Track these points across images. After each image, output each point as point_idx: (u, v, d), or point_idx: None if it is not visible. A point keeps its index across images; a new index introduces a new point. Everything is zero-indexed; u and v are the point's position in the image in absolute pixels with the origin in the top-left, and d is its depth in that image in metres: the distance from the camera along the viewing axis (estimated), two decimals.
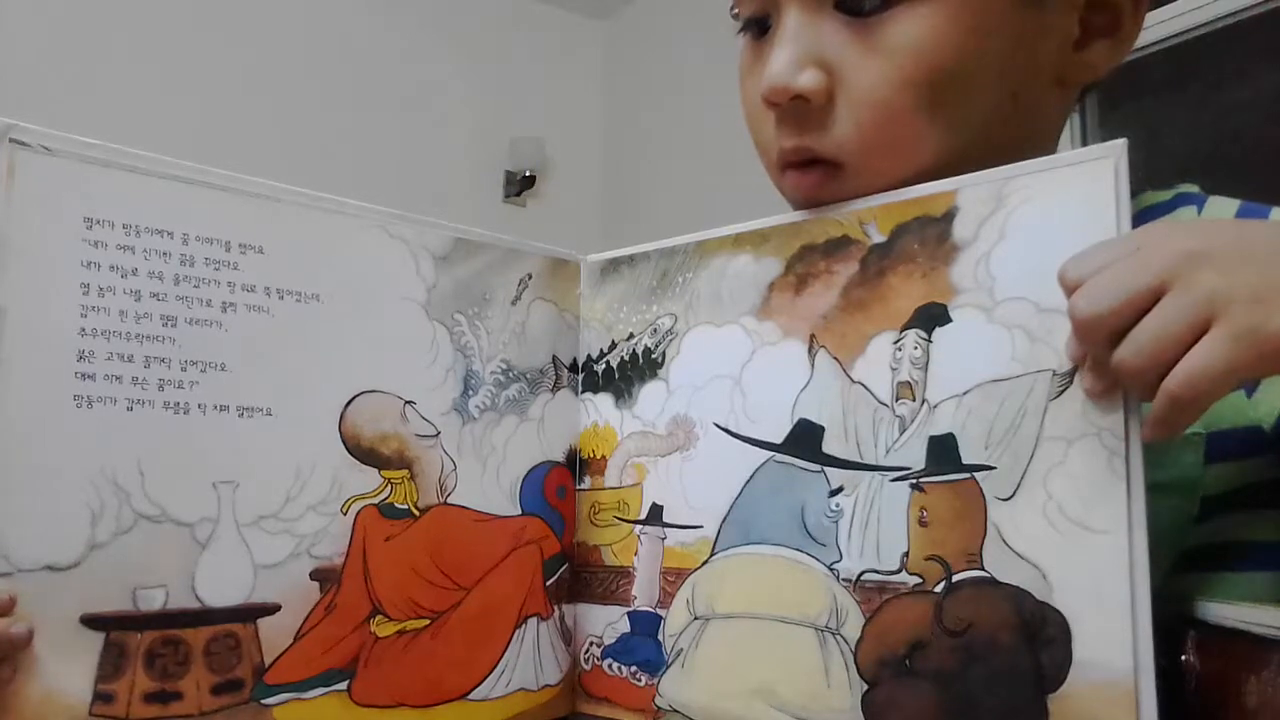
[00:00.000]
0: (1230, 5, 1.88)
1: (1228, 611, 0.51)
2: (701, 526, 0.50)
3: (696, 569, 0.50)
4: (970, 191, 0.44)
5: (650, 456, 0.53)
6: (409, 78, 2.76)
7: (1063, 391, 0.40)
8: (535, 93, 3.05)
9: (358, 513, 0.46)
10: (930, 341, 0.44)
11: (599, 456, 0.55)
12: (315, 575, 0.45)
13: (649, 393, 0.54)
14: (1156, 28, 2.00)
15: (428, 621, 0.48)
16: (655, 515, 0.52)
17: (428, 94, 2.80)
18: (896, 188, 0.47)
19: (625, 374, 0.55)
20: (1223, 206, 0.50)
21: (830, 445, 0.46)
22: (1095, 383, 0.39)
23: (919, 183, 0.46)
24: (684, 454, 0.52)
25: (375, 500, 0.47)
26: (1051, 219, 0.41)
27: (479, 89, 2.92)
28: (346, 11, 2.68)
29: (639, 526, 0.53)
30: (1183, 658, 0.52)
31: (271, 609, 0.43)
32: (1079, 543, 0.39)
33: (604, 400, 0.55)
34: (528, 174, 2.97)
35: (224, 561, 0.42)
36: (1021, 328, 0.42)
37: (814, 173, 0.49)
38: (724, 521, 0.49)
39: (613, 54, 3.25)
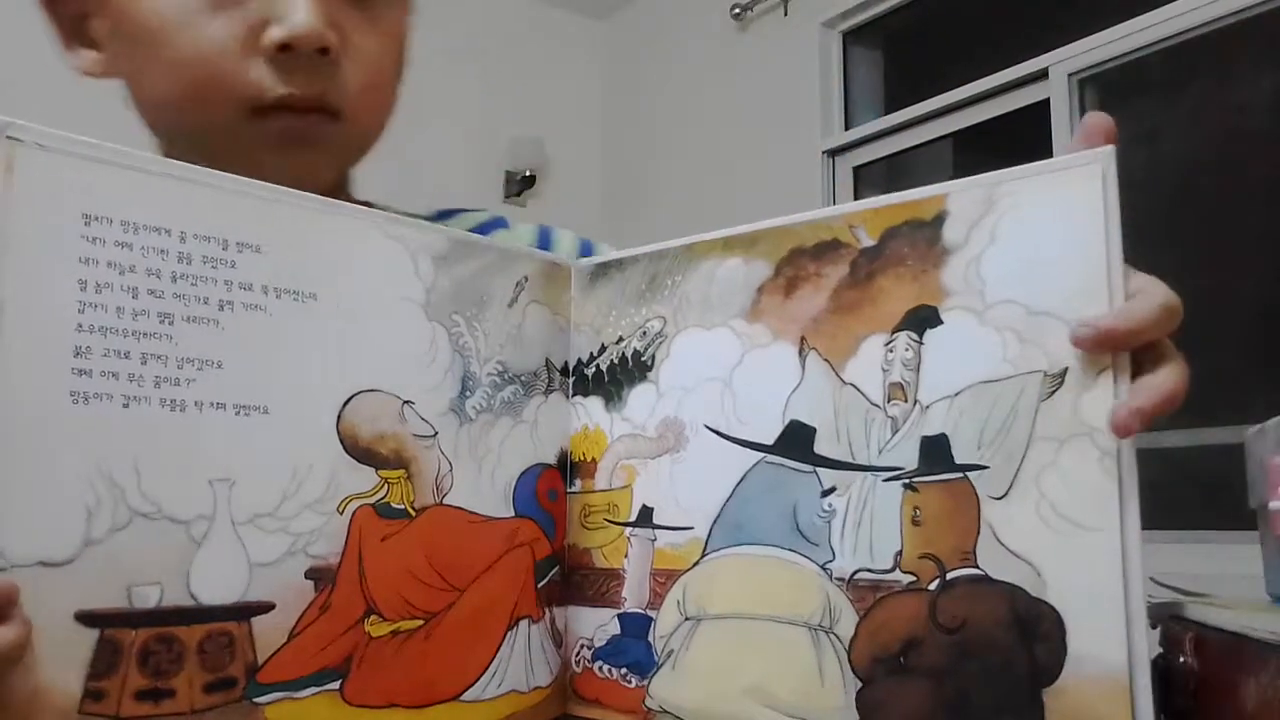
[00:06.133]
0: (1230, 5, 1.89)
1: (1227, 616, 0.50)
2: (692, 528, 0.50)
3: (687, 570, 0.50)
4: (960, 196, 0.44)
5: (640, 459, 0.53)
6: (409, 77, 2.76)
7: (1053, 393, 0.41)
8: (535, 92, 3.05)
9: (354, 512, 0.46)
10: (921, 343, 0.44)
11: (589, 459, 0.55)
12: (310, 574, 0.44)
13: (638, 395, 0.54)
14: (1156, 28, 2.00)
15: (421, 622, 0.48)
16: (645, 517, 0.52)
17: (427, 94, 2.79)
18: (367, 139, 0.60)
19: (615, 377, 0.55)
20: (523, 232, 0.69)
21: (822, 446, 0.47)
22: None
23: (380, 136, 0.60)
24: (674, 456, 0.52)
25: (372, 500, 0.47)
26: (1041, 223, 0.42)
27: (479, 89, 2.92)
28: None
29: (629, 529, 0.53)
30: (1182, 660, 0.52)
31: (266, 607, 0.43)
32: (1072, 540, 0.40)
33: (594, 403, 0.55)
34: (528, 174, 2.97)
35: (219, 559, 0.42)
36: (1012, 330, 0.42)
37: (309, 118, 0.55)
38: (715, 522, 0.49)
39: (613, 54, 3.25)
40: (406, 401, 0.48)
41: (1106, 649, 0.38)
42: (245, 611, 0.42)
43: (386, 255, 0.49)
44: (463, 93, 2.89)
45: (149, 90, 0.55)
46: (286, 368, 0.45)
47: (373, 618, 0.46)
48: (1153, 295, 0.40)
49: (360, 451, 0.46)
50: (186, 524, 0.41)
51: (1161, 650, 0.56)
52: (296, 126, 0.54)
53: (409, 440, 0.48)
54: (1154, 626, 0.59)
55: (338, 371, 0.46)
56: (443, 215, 0.68)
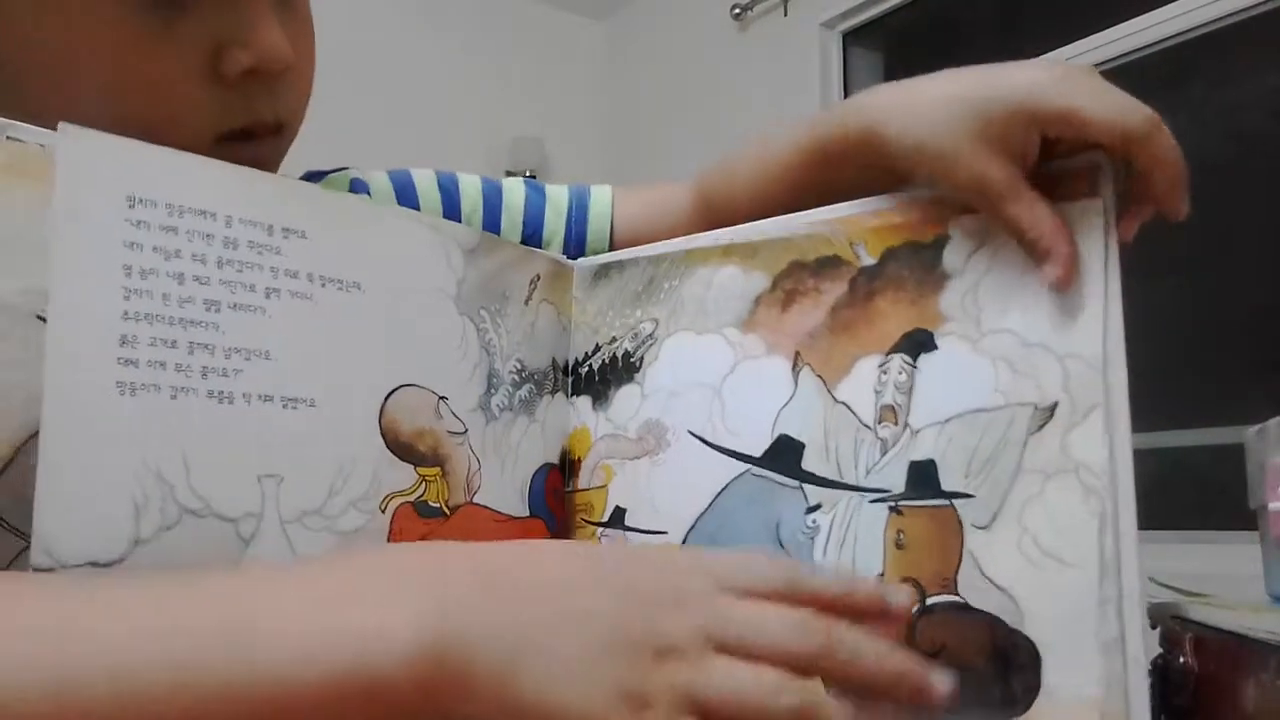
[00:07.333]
0: (1230, 5, 1.88)
1: (1227, 616, 0.51)
2: (666, 533, 0.50)
3: None
4: (960, 221, 0.44)
5: (618, 459, 0.53)
6: (409, 78, 2.76)
7: (1043, 426, 0.41)
8: (535, 93, 3.05)
9: (395, 510, 0.45)
10: (915, 367, 0.44)
11: (578, 459, 0.55)
12: None
13: (623, 396, 0.53)
14: (1156, 28, 2.00)
15: None
16: (617, 518, 0.52)
17: (428, 94, 2.80)
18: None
19: (604, 377, 0.54)
20: (381, 184, 0.64)
21: (810, 463, 0.46)
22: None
23: None
24: (653, 459, 0.51)
25: (412, 498, 0.45)
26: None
27: (479, 89, 2.92)
28: (345, 12, 2.68)
29: (600, 529, 0.52)
30: (1182, 660, 0.52)
31: None
32: (1051, 575, 0.39)
33: (584, 403, 0.55)
34: (528, 174, 2.97)
35: (267, 559, 0.40)
36: (1005, 359, 0.42)
37: (266, 141, 0.50)
38: (691, 530, 0.49)
39: (613, 54, 3.25)
40: (442, 397, 0.47)
41: (1080, 683, 0.38)
42: None
43: (423, 245, 0.48)
44: (463, 93, 2.89)
45: (58, 112, 0.42)
46: (333, 359, 0.43)
47: None
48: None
49: (401, 448, 0.45)
50: (235, 522, 0.39)
51: (1161, 650, 0.56)
52: (258, 154, 0.49)
53: (444, 437, 0.47)
54: (1154, 626, 0.59)
55: (380, 365, 0.45)
56: (312, 176, 0.63)
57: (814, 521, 0.45)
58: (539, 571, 0.32)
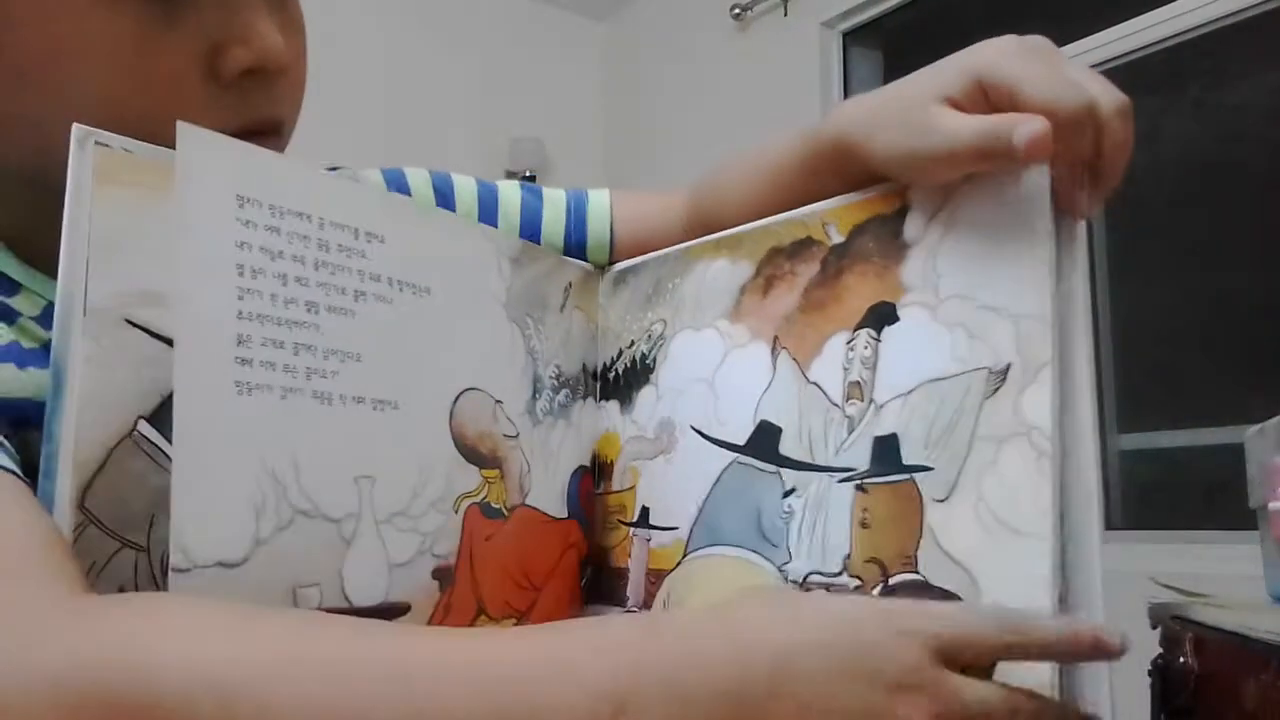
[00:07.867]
0: (1230, 5, 1.88)
1: (1227, 616, 0.51)
2: (677, 528, 0.50)
3: (672, 570, 0.50)
4: (921, 189, 0.44)
5: (642, 460, 0.53)
6: (409, 78, 2.76)
7: (996, 390, 0.39)
8: (535, 93, 3.05)
9: (465, 511, 0.46)
10: (879, 341, 0.43)
11: (609, 462, 0.56)
12: (435, 574, 0.44)
13: (643, 398, 0.54)
14: (1156, 28, 2.00)
15: (515, 621, 0.48)
16: (644, 518, 0.52)
17: (428, 94, 2.80)
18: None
19: (627, 381, 0.55)
20: (372, 178, 0.62)
21: (786, 446, 0.46)
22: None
23: None
24: (667, 457, 0.51)
25: (478, 499, 0.46)
26: (991, 215, 0.41)
27: (479, 89, 2.92)
28: (345, 12, 2.68)
29: (632, 529, 0.53)
30: (1182, 660, 0.52)
31: (404, 609, 0.42)
32: (1006, 545, 0.38)
33: (613, 408, 0.56)
34: (528, 174, 2.97)
35: (365, 560, 0.40)
36: (962, 325, 0.41)
37: (265, 142, 0.48)
38: (695, 523, 0.49)
39: (612, 54, 3.25)
40: (498, 401, 0.48)
41: (1034, 662, 0.36)
42: (390, 613, 0.42)
43: (478, 252, 0.48)
44: (463, 93, 2.89)
45: (59, 113, 0.41)
46: (411, 362, 0.44)
47: (482, 617, 0.46)
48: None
49: (467, 450, 0.46)
50: (338, 523, 0.40)
51: (1161, 650, 0.56)
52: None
53: (500, 440, 0.48)
54: (1154, 626, 0.59)
55: (448, 368, 0.46)
56: None
57: (789, 506, 0.45)
58: (793, 687, 0.32)
